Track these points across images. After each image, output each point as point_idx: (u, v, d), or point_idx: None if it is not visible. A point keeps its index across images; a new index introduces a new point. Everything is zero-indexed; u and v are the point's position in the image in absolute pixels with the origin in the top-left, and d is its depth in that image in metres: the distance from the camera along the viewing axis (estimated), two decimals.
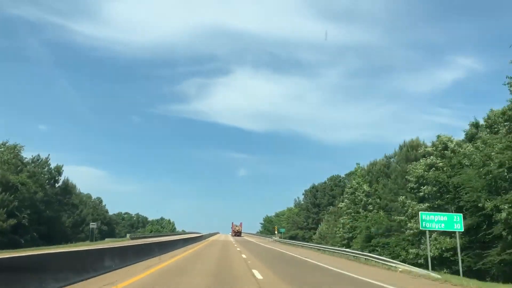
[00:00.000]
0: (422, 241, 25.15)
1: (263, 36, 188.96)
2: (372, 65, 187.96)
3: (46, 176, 51.70)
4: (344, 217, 42.55)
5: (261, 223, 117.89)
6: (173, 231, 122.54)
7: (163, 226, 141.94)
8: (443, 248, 23.28)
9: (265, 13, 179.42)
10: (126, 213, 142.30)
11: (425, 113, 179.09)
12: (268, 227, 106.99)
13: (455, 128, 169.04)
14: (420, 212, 20.99)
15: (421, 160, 28.74)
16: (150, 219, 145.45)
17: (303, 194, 76.34)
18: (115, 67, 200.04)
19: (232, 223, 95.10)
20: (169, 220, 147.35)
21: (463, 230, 19.71)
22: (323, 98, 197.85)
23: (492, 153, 19.25)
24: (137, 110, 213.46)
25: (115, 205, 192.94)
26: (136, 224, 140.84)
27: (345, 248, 35.23)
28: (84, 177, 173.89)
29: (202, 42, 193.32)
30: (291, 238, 64.99)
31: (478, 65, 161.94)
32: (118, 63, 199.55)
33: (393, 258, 24.72)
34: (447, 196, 24.94)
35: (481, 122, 26.84)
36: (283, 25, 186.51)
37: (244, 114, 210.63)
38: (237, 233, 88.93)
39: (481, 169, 19.88)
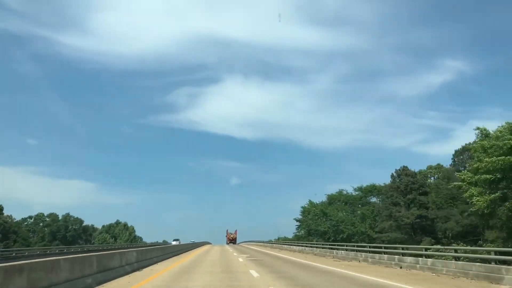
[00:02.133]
0: None
1: (253, 43, 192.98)
2: (362, 69, 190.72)
3: None
4: None
5: (297, 221, 67.77)
6: (132, 242, 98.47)
7: (116, 234, 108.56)
8: None
9: (254, 21, 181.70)
10: (51, 214, 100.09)
11: (415, 117, 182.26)
12: (317, 230, 58.79)
13: (446, 130, 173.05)
14: None
15: None
16: (87, 223, 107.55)
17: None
18: (104, 78, 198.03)
19: (227, 230, 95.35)
20: (125, 225, 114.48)
21: None
22: (314, 104, 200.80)
23: None
24: (128, 121, 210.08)
25: (105, 217, 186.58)
26: (63, 231, 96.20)
27: None
28: (75, 190, 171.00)
29: (191, 51, 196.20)
30: None
31: (466, 67, 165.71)
32: (107, 74, 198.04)
33: None
34: None
35: None
36: (272, 32, 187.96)
37: (236, 122, 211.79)
38: (232, 241, 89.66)
39: None
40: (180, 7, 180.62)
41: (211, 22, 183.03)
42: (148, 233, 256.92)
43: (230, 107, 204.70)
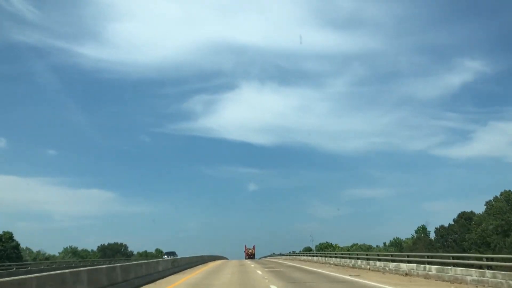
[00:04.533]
0: None
1: (269, 48, 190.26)
2: (378, 72, 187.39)
3: None
4: None
5: None
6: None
7: None
8: None
9: (269, 26, 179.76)
10: None
11: (434, 118, 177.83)
12: None
13: (465, 131, 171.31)
14: None
15: None
16: None
17: None
18: (122, 88, 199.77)
19: (245, 246, 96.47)
20: None
21: None
22: (331, 108, 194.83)
23: None
24: (145, 130, 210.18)
25: (121, 227, 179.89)
26: None
27: None
28: (95, 199, 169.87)
29: (207, 58, 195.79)
30: None
31: (486, 67, 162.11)
32: (124, 84, 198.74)
33: None
34: None
35: None
36: (288, 37, 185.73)
37: (252, 129, 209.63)
38: (251, 256, 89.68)
39: None
40: (196, 15, 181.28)
41: (227, 29, 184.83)
42: (158, 243, 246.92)
43: (246, 113, 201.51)
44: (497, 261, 15.28)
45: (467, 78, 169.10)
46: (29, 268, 37.12)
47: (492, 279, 13.89)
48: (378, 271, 23.05)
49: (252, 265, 34.38)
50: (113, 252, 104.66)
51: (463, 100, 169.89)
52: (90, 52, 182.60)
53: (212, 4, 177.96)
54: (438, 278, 17.24)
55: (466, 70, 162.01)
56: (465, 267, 15.95)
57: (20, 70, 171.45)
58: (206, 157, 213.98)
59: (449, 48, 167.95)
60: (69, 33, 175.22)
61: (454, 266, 16.59)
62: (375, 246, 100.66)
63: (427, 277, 18.06)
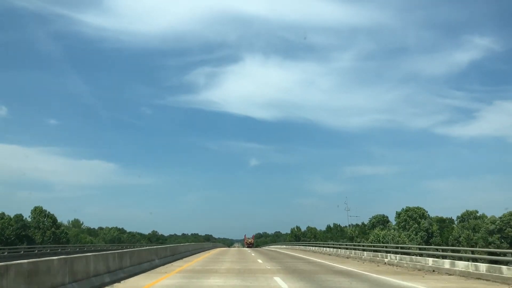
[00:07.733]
0: None
1: (274, 20, 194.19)
2: (385, 47, 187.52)
3: None
4: None
5: None
6: None
7: None
8: None
9: None
10: None
11: (439, 96, 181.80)
12: None
13: (470, 110, 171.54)
14: None
15: None
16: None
17: None
18: (124, 58, 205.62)
19: (245, 235, 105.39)
20: None
21: None
22: (335, 83, 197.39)
23: None
24: (147, 102, 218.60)
25: (124, 199, 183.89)
26: None
27: None
28: (95, 170, 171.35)
29: (211, 29, 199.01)
30: None
31: (495, 44, 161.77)
32: (126, 54, 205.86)
33: None
34: None
35: None
36: (294, 9, 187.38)
37: (255, 103, 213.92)
38: (250, 245, 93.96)
39: None
40: None
41: None
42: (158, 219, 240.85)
43: (249, 87, 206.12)
44: None
45: (475, 56, 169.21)
46: None
47: None
48: None
49: None
50: None
51: (470, 78, 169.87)
52: (92, 20, 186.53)
53: None
54: None
55: (475, 47, 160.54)
56: None
57: (21, 36, 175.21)
58: (208, 130, 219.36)
59: (458, 24, 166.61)
60: (73, 1, 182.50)
61: None
62: None
63: None
